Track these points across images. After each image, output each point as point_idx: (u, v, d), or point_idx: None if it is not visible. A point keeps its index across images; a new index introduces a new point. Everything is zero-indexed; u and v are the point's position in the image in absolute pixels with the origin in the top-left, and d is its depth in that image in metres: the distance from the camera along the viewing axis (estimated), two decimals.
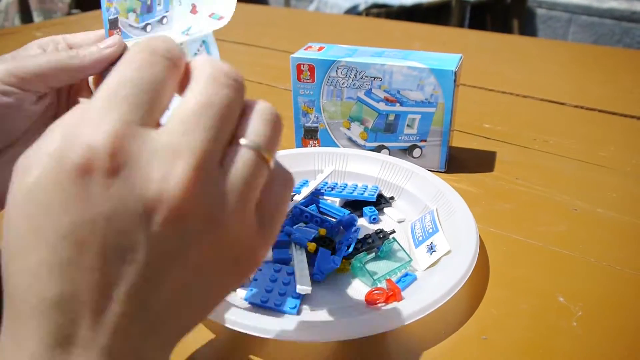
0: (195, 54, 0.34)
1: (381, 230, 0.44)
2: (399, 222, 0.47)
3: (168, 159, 0.19)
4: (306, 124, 0.57)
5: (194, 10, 0.37)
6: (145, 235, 0.19)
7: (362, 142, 0.57)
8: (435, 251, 0.40)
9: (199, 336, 0.35)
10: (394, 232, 0.43)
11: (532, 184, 0.53)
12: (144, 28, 0.38)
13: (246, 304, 0.37)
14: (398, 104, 0.53)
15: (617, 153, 0.59)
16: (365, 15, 2.34)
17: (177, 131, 0.20)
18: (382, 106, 0.54)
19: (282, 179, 0.24)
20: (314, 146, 0.58)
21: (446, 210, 0.44)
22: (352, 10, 2.38)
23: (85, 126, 0.19)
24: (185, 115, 0.20)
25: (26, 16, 2.26)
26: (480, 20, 2.82)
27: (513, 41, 1.11)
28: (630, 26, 2.54)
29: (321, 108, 0.56)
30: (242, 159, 0.21)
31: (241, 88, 0.22)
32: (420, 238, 0.43)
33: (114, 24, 0.38)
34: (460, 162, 0.57)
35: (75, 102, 0.38)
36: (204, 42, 0.34)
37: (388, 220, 0.47)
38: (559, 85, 0.81)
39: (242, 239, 0.22)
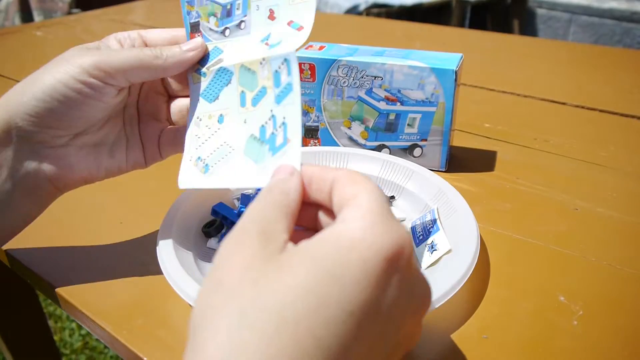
0: (277, 71, 0.34)
1: None
2: (400, 221, 0.47)
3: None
4: (307, 123, 0.57)
5: (271, 16, 0.36)
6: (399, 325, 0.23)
7: (362, 142, 0.57)
8: (435, 250, 0.40)
9: None
10: None
11: (533, 184, 0.53)
12: (222, 32, 0.38)
13: None
14: (399, 103, 0.53)
15: (618, 153, 0.59)
16: (366, 15, 2.34)
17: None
18: (382, 105, 0.54)
19: None
20: (315, 145, 0.58)
21: (447, 210, 0.44)
22: (353, 10, 2.38)
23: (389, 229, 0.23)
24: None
25: (26, 15, 2.26)
26: (480, 20, 2.82)
27: (513, 41, 1.11)
28: (630, 26, 2.54)
29: (322, 107, 0.56)
30: None
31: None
32: (421, 237, 0.43)
33: (195, 27, 0.39)
34: (460, 161, 0.57)
35: (149, 97, 0.41)
36: (286, 60, 0.34)
37: None
38: (560, 85, 0.81)
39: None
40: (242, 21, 0.38)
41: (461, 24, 2.67)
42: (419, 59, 0.52)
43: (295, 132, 0.32)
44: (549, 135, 0.64)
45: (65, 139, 0.36)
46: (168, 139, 0.41)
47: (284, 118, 0.33)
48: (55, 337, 1.39)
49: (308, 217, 0.29)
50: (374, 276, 0.21)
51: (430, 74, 0.51)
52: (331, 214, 0.28)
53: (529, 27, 2.90)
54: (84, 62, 0.33)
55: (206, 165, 0.36)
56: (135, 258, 0.43)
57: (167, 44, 0.38)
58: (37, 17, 2.26)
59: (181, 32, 0.39)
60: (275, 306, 0.20)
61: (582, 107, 0.72)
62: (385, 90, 0.53)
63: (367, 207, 0.24)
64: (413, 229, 0.45)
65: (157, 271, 0.38)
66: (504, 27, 2.81)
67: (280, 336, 0.19)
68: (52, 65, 0.34)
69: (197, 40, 0.38)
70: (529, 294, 0.38)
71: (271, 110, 0.34)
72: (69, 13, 2.23)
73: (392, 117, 0.54)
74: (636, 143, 0.62)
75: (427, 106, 0.53)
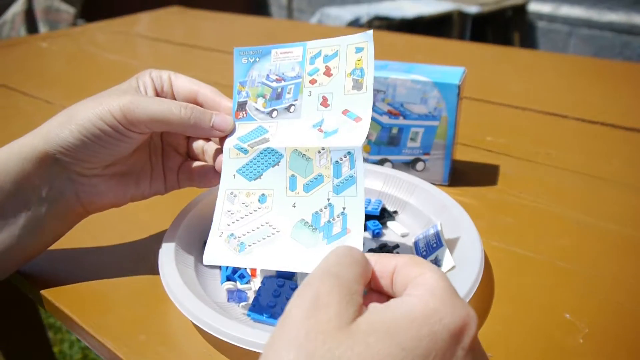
0: (337, 162, 0.35)
1: (385, 245, 0.44)
2: (403, 236, 0.46)
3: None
4: None
5: (324, 102, 0.37)
6: None
7: (365, 155, 0.57)
8: (440, 266, 0.40)
9: (199, 351, 0.35)
10: (397, 246, 0.43)
11: (536, 198, 0.53)
12: (269, 113, 0.39)
13: (248, 319, 0.37)
14: (401, 117, 0.53)
15: (621, 166, 0.59)
16: (368, 27, 2.35)
17: None
18: (385, 119, 0.54)
19: None
20: None
21: (450, 225, 0.44)
22: (355, 23, 2.40)
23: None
24: None
25: (32, 26, 2.28)
26: (481, 32, 2.84)
27: (514, 54, 1.12)
28: (630, 39, 2.55)
29: None
30: None
31: None
32: (425, 253, 0.42)
33: (242, 106, 0.40)
34: (463, 175, 0.57)
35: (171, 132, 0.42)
36: (350, 153, 0.34)
37: (392, 234, 0.47)
38: (561, 98, 0.81)
39: None
40: (292, 105, 0.38)
41: (462, 36, 2.68)
42: (422, 73, 0.52)
43: (357, 223, 0.33)
44: (551, 149, 0.64)
45: (97, 170, 0.39)
46: (186, 172, 0.43)
47: (344, 208, 0.33)
48: (55, 349, 1.38)
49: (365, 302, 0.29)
50: (441, 349, 0.22)
51: (433, 88, 0.51)
52: (388, 298, 0.28)
53: (529, 39, 2.91)
54: (113, 109, 0.36)
55: (242, 243, 0.36)
56: (137, 272, 0.42)
57: (190, 96, 0.41)
58: (43, 27, 2.27)
59: (207, 88, 0.41)
60: None
61: (584, 121, 0.72)
62: (388, 104, 0.53)
63: (435, 284, 0.24)
64: (416, 244, 0.44)
65: (159, 287, 0.37)
66: (504, 39, 2.82)
67: None
68: (89, 103, 0.37)
69: (228, 121, 0.39)
70: (534, 311, 0.38)
71: (328, 199, 0.34)
72: (74, 24, 2.25)
73: (394, 131, 0.54)
74: (639, 157, 0.62)
75: (430, 120, 0.53)
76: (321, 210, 0.34)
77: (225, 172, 0.39)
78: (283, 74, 0.39)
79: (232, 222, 0.37)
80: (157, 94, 0.41)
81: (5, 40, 1.79)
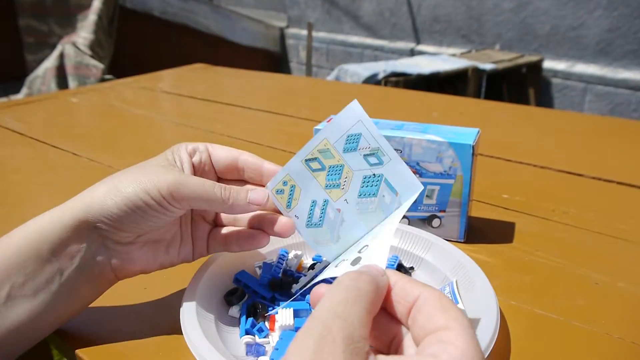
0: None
1: None
2: None
3: None
4: None
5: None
6: None
7: None
8: None
9: None
10: None
11: (552, 256, 0.53)
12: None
13: None
14: (417, 175, 0.55)
15: (637, 226, 0.59)
16: (384, 83, 2.41)
17: None
18: None
19: None
20: None
21: (466, 282, 0.44)
22: (371, 79, 2.46)
23: None
24: None
25: (62, 81, 2.38)
26: (496, 88, 2.89)
27: (529, 112, 1.14)
28: None
29: None
30: None
31: None
32: None
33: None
34: (479, 232, 0.58)
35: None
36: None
37: None
38: (577, 156, 0.82)
39: None
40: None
41: (477, 92, 2.73)
42: (437, 133, 0.54)
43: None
44: (567, 207, 0.64)
45: (132, 238, 0.40)
46: (217, 239, 0.45)
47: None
48: None
49: (375, 323, 0.27)
50: None
51: (448, 148, 0.53)
52: (398, 324, 0.26)
53: (544, 96, 2.95)
54: (161, 185, 0.38)
55: None
56: (158, 324, 0.43)
57: (231, 164, 0.44)
58: (72, 82, 2.38)
59: (245, 153, 0.44)
60: None
61: (600, 179, 0.73)
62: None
63: (464, 349, 0.22)
64: None
65: (181, 339, 0.38)
66: (519, 95, 2.86)
67: None
68: (134, 176, 0.39)
69: (263, 195, 0.41)
70: None
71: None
72: (102, 79, 2.35)
73: None
74: None
75: (445, 178, 0.54)
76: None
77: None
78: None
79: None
80: (194, 167, 0.43)
81: (37, 96, 1.88)
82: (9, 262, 0.37)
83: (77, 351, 0.41)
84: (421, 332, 0.24)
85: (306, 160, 0.41)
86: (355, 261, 0.33)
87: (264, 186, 0.43)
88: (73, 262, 0.38)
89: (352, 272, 0.26)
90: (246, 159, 0.43)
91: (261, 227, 0.43)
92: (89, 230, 0.38)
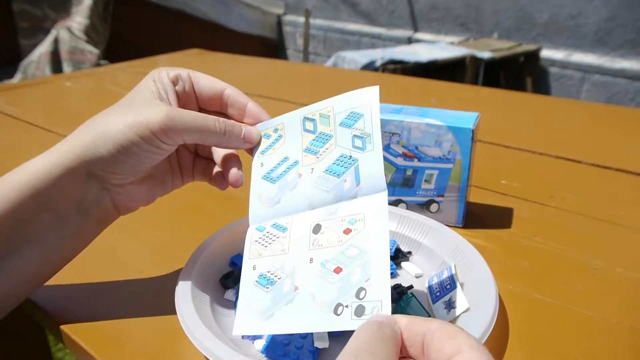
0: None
1: (399, 285, 0.44)
2: (417, 276, 0.47)
3: None
4: None
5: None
6: None
7: None
8: (453, 308, 0.40)
9: None
10: (411, 287, 0.43)
11: (550, 242, 0.53)
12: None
13: (263, 357, 0.37)
14: (416, 160, 0.54)
15: (636, 212, 0.59)
16: (382, 71, 2.40)
17: None
18: (400, 161, 0.55)
19: None
20: None
21: (464, 267, 0.44)
22: (369, 66, 2.45)
23: None
24: None
25: (56, 66, 2.36)
26: (493, 77, 2.88)
27: (527, 99, 1.13)
28: None
29: None
30: None
31: None
32: (438, 294, 0.42)
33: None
34: (477, 217, 0.58)
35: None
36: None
37: (405, 275, 0.47)
38: (575, 143, 0.81)
39: None
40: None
41: (475, 81, 2.72)
42: (436, 117, 0.53)
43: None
44: (565, 193, 0.64)
45: (130, 179, 0.40)
46: (200, 170, 0.45)
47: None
48: None
49: None
50: None
51: (448, 132, 0.52)
52: None
53: (542, 85, 2.94)
54: (152, 126, 0.37)
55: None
56: (153, 307, 0.43)
57: (215, 96, 0.43)
58: (67, 67, 2.35)
59: (229, 87, 0.43)
60: None
61: (598, 166, 0.72)
62: (402, 146, 0.54)
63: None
64: (430, 285, 0.44)
65: (175, 321, 0.38)
66: (517, 84, 2.86)
67: None
68: (121, 117, 0.37)
69: (255, 133, 0.41)
70: (549, 356, 0.38)
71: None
72: (97, 65, 2.33)
73: (409, 172, 0.55)
74: None
75: (444, 163, 0.53)
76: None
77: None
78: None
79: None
80: (179, 97, 0.41)
81: (31, 80, 1.85)
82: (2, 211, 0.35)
83: (62, 327, 0.41)
84: None
85: (305, 118, 0.40)
86: (359, 311, 0.31)
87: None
88: (73, 206, 0.38)
89: (373, 322, 0.26)
90: (231, 93, 0.42)
91: (230, 164, 0.42)
92: (84, 177, 0.38)
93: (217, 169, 0.45)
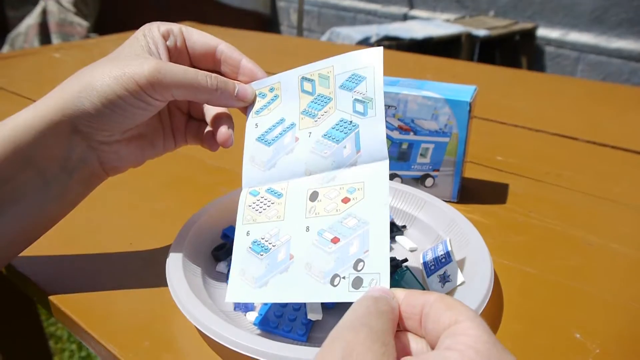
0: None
1: (393, 259, 0.43)
2: (412, 250, 0.46)
3: None
4: None
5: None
6: None
7: None
8: (448, 282, 0.40)
9: (204, 359, 0.35)
10: (406, 260, 0.43)
11: (545, 217, 0.53)
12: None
13: (255, 329, 0.37)
14: (412, 133, 0.53)
15: (631, 189, 0.59)
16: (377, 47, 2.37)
17: None
18: (395, 134, 0.54)
19: None
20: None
21: (459, 241, 0.43)
22: (364, 42, 2.42)
23: None
24: None
25: (45, 38, 2.31)
26: (489, 55, 2.85)
27: (524, 76, 1.12)
28: (638, 66, 2.56)
29: None
30: None
31: None
32: (433, 267, 0.42)
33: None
34: (472, 193, 0.57)
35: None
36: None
37: (400, 248, 0.47)
38: (571, 120, 0.81)
39: None
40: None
41: (470, 59, 2.70)
42: (433, 90, 0.52)
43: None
44: (561, 170, 0.63)
45: (117, 136, 0.38)
46: (193, 132, 0.44)
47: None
48: (55, 359, 1.37)
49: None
50: None
51: (445, 105, 0.51)
52: (418, 339, 0.26)
53: (537, 64, 2.92)
54: (139, 78, 0.35)
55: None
56: (144, 279, 0.42)
57: (208, 51, 0.40)
58: (55, 40, 2.31)
59: (223, 43, 0.41)
60: None
61: (594, 143, 0.72)
62: (398, 119, 0.53)
63: (477, 337, 0.22)
64: (424, 258, 0.44)
65: (166, 293, 0.37)
66: (512, 63, 2.84)
67: None
68: (108, 69, 0.35)
69: (249, 91, 0.40)
70: (544, 330, 0.38)
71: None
72: (87, 37, 2.28)
73: (404, 146, 0.54)
74: None
75: (440, 136, 0.53)
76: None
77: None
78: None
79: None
80: (170, 52, 0.39)
81: (19, 50, 1.82)
82: None
83: (51, 298, 0.40)
84: (434, 336, 0.24)
85: (303, 78, 0.39)
86: (357, 283, 0.31)
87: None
88: (58, 164, 0.36)
89: (369, 297, 0.26)
90: (224, 49, 0.40)
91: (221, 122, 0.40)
92: (68, 133, 0.36)
93: (208, 128, 0.43)
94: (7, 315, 0.96)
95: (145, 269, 0.44)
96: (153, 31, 0.39)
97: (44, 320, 1.49)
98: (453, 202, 0.55)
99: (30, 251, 0.40)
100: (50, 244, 0.40)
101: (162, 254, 0.42)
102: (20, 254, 0.40)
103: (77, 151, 0.37)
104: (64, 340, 1.46)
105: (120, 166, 0.40)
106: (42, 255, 0.45)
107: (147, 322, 0.38)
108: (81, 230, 0.49)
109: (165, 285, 0.38)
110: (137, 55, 0.37)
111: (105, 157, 0.39)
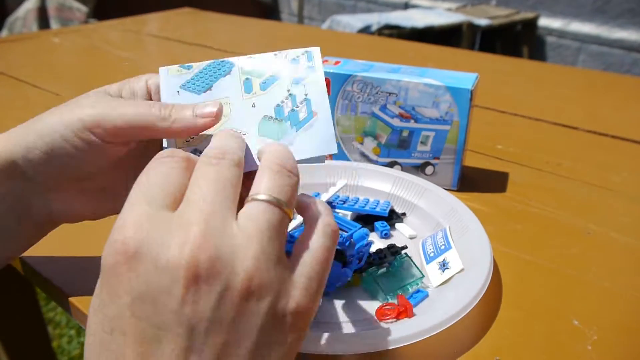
0: (295, 59, 0.34)
1: (393, 245, 0.43)
2: (411, 238, 0.46)
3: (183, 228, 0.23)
4: None
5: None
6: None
7: (374, 158, 0.56)
8: (448, 268, 0.40)
9: None
10: (406, 247, 0.43)
11: (545, 206, 0.53)
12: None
13: None
14: (412, 121, 0.53)
15: (631, 179, 0.59)
16: (378, 35, 2.35)
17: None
18: (396, 122, 0.54)
19: (321, 232, 0.27)
20: (327, 159, 0.58)
21: (459, 228, 0.44)
22: (365, 31, 2.40)
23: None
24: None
25: (44, 23, 2.29)
26: (490, 45, 2.84)
27: (525, 65, 1.12)
28: (639, 57, 2.55)
29: (335, 122, 0.56)
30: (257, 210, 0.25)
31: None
32: (432, 254, 0.42)
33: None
34: (472, 181, 0.57)
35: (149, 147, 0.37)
36: (307, 52, 0.35)
37: (399, 236, 0.47)
38: (571, 110, 0.81)
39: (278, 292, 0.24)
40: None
41: (471, 48, 2.68)
42: (435, 77, 0.52)
43: (321, 105, 0.32)
44: (561, 159, 0.63)
45: (66, 184, 0.35)
46: None
47: (306, 95, 0.33)
48: (54, 344, 1.38)
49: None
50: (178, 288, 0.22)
51: (446, 93, 0.51)
52: None
53: (538, 54, 2.91)
54: (85, 117, 0.32)
55: None
56: None
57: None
58: (54, 25, 2.29)
59: (152, 80, 0.36)
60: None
61: (594, 133, 0.72)
62: (399, 107, 0.53)
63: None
64: (423, 245, 0.44)
65: None
66: (513, 52, 2.83)
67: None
68: (62, 108, 0.33)
69: (212, 106, 0.32)
70: (542, 317, 0.38)
71: (288, 90, 0.33)
72: (86, 22, 2.27)
73: (405, 134, 0.54)
74: None
75: (441, 124, 0.52)
76: (283, 102, 0.33)
77: (166, 90, 0.34)
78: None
79: (191, 138, 0.33)
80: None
81: (18, 35, 1.80)
82: None
83: (71, 299, 0.40)
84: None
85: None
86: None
87: None
88: (4, 205, 0.33)
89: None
90: (153, 82, 0.36)
91: None
92: (15, 170, 0.33)
93: None
94: (6, 301, 0.97)
95: None
96: (141, 80, 0.36)
97: (43, 306, 1.50)
98: (453, 190, 0.55)
99: (49, 252, 0.39)
100: (57, 236, 0.39)
101: None
102: (40, 255, 0.38)
103: (26, 195, 0.34)
104: (63, 326, 1.47)
105: (72, 216, 0.36)
106: (61, 256, 0.44)
107: None
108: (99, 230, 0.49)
109: None
110: (94, 96, 0.34)
111: (54, 205, 0.35)
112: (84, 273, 0.43)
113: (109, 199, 0.37)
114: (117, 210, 0.35)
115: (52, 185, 0.34)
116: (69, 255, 0.44)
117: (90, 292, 0.40)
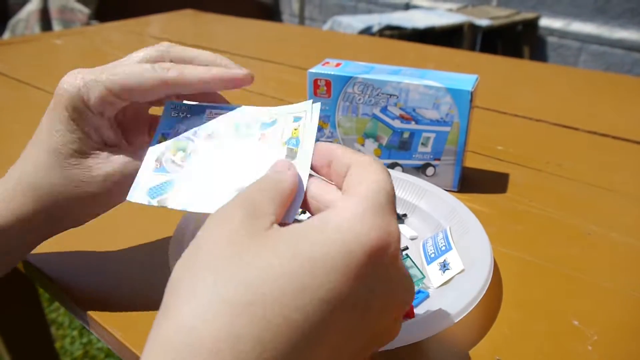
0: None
1: None
2: (412, 239, 0.47)
3: None
4: (320, 139, 0.58)
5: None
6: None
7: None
8: (448, 269, 0.40)
9: None
10: (407, 248, 0.43)
11: (546, 207, 0.53)
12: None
13: None
14: (413, 122, 0.53)
15: (631, 179, 0.59)
16: (379, 36, 2.36)
17: None
18: (397, 124, 0.54)
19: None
20: None
21: (460, 229, 0.44)
22: (366, 32, 2.41)
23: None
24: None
25: (46, 25, 2.30)
26: (491, 45, 2.84)
27: (526, 66, 1.12)
28: None
29: (336, 123, 0.56)
30: None
31: None
32: (433, 255, 0.42)
33: (158, 158, 0.34)
34: (473, 182, 0.57)
35: None
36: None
37: (400, 237, 0.47)
38: (572, 110, 0.81)
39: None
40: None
41: (472, 49, 2.68)
42: (435, 79, 0.52)
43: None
44: (561, 160, 0.64)
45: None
46: None
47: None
48: (56, 345, 1.38)
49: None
50: (355, 269, 0.21)
51: (446, 94, 0.51)
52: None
53: (539, 54, 2.91)
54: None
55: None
56: (148, 267, 0.43)
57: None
58: (57, 27, 2.30)
59: (204, 53, 0.39)
60: (251, 282, 0.20)
61: (595, 133, 0.72)
62: (400, 108, 0.53)
63: (364, 195, 0.23)
64: (424, 246, 0.44)
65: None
66: (514, 53, 2.83)
67: (250, 312, 0.19)
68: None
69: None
70: (542, 317, 0.38)
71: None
72: (88, 24, 2.27)
73: (406, 135, 0.54)
74: None
75: (442, 126, 0.53)
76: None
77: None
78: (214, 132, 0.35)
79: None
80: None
81: (20, 37, 1.81)
82: None
83: (90, 313, 0.39)
84: (344, 192, 0.26)
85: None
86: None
87: None
88: (19, 229, 0.34)
89: (256, 180, 0.27)
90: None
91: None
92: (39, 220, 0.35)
93: None
94: (9, 302, 0.97)
95: (150, 256, 0.44)
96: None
97: (46, 307, 1.51)
98: (454, 191, 0.55)
99: (50, 249, 0.39)
100: (64, 239, 0.40)
101: (166, 242, 0.43)
102: (42, 252, 0.39)
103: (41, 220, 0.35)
104: (65, 327, 1.47)
105: (80, 223, 0.38)
106: (63, 252, 0.44)
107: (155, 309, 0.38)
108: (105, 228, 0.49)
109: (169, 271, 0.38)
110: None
111: (64, 220, 0.37)
112: (87, 271, 0.43)
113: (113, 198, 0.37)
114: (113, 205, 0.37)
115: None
116: (71, 250, 0.45)
117: (92, 290, 0.41)
